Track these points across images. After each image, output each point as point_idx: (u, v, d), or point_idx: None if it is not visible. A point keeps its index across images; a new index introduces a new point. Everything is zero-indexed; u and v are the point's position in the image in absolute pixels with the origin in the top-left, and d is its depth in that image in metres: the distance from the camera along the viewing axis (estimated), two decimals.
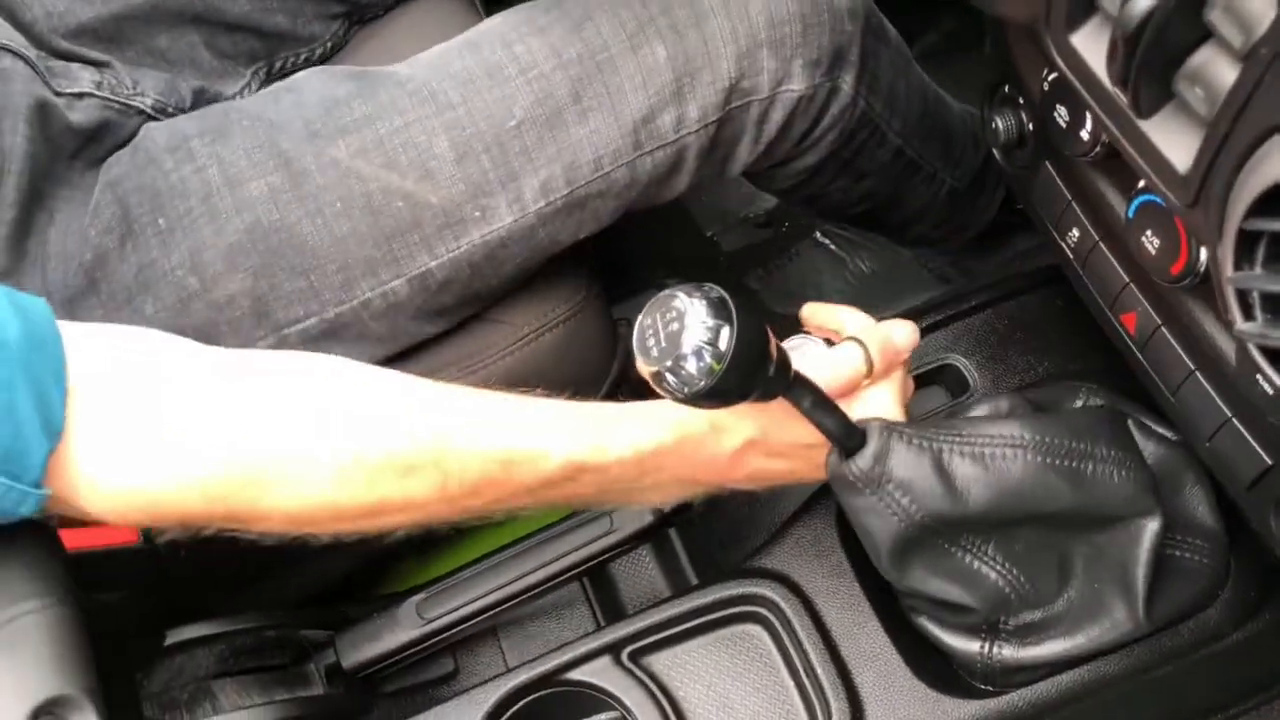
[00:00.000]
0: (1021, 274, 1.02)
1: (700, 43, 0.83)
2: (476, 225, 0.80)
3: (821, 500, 0.86)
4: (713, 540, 0.96)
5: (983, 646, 0.79)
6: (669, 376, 0.61)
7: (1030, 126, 0.75)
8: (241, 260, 0.77)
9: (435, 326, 0.85)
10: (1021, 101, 0.75)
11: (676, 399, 0.62)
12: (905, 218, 1.11)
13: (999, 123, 0.77)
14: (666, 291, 0.62)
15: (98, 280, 0.78)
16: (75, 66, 0.89)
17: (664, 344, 0.61)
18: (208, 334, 0.78)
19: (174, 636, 0.83)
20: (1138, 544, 0.75)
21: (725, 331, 0.60)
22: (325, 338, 0.80)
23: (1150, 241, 0.62)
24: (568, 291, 0.91)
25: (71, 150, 0.85)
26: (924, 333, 0.96)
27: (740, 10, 0.83)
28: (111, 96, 0.89)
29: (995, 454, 0.71)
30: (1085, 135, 0.65)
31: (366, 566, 1.03)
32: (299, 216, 0.78)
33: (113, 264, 0.78)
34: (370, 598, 1.00)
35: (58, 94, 0.86)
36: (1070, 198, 0.72)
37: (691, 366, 0.61)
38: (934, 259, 1.35)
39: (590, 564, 0.88)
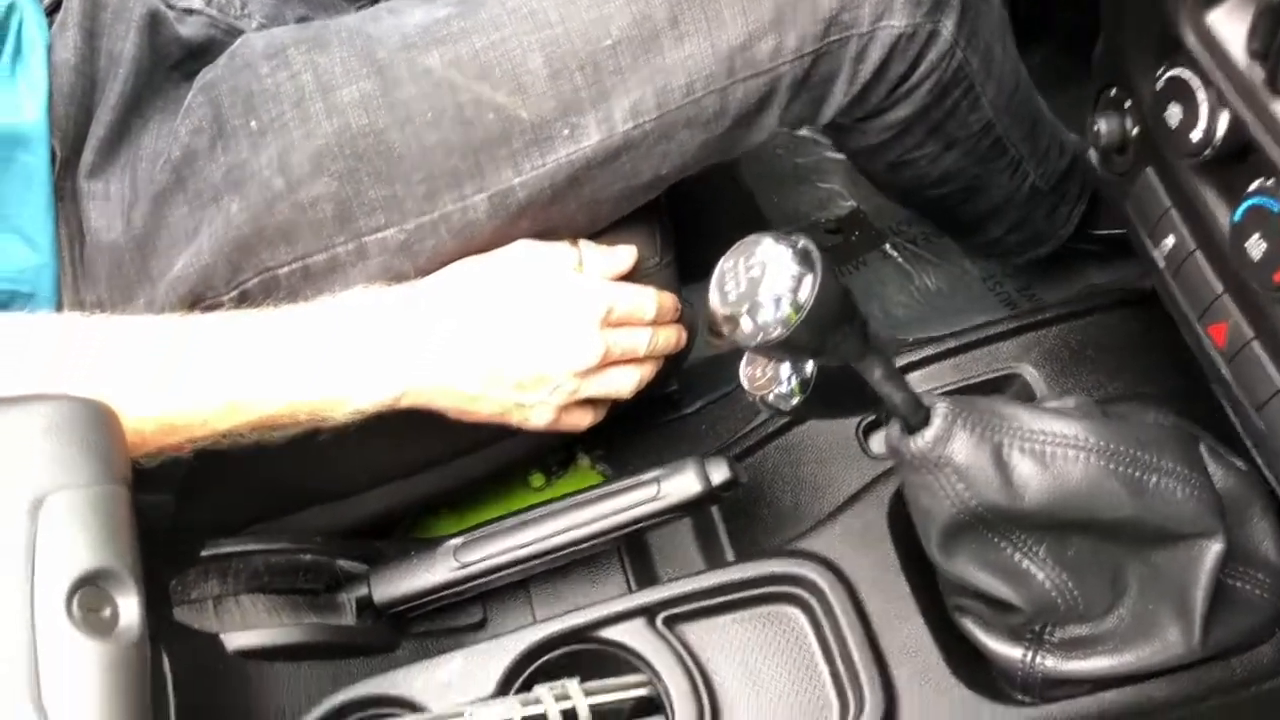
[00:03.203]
0: (1098, 293, 1.00)
1: None
2: (564, 143, 0.80)
3: (874, 490, 0.85)
4: (756, 525, 0.95)
5: (1025, 654, 0.77)
6: (744, 321, 0.60)
7: (1134, 131, 0.74)
8: (328, 163, 0.78)
9: None
10: (1128, 105, 0.74)
11: (747, 346, 0.61)
12: (982, 212, 1.09)
13: (1102, 125, 0.75)
14: (753, 236, 0.62)
15: (185, 178, 0.79)
16: None
17: (743, 288, 0.60)
18: (289, 235, 0.78)
19: (209, 549, 0.83)
20: (1198, 565, 0.72)
21: (808, 281, 0.60)
22: (402, 251, 0.80)
23: (1255, 247, 0.60)
24: (641, 254, 0.90)
25: (173, 61, 0.87)
26: (994, 340, 0.95)
27: None
28: (220, 15, 0.91)
29: (1057, 454, 0.69)
30: (1197, 136, 0.63)
31: (404, 511, 1.03)
32: (388, 123, 0.78)
33: (201, 162, 0.79)
34: (406, 540, 1.00)
35: (170, 6, 0.87)
36: (1169, 204, 0.71)
37: (768, 314, 0.60)
38: (1002, 281, 1.34)
39: (632, 528, 0.86)
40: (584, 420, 0.88)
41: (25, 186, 0.77)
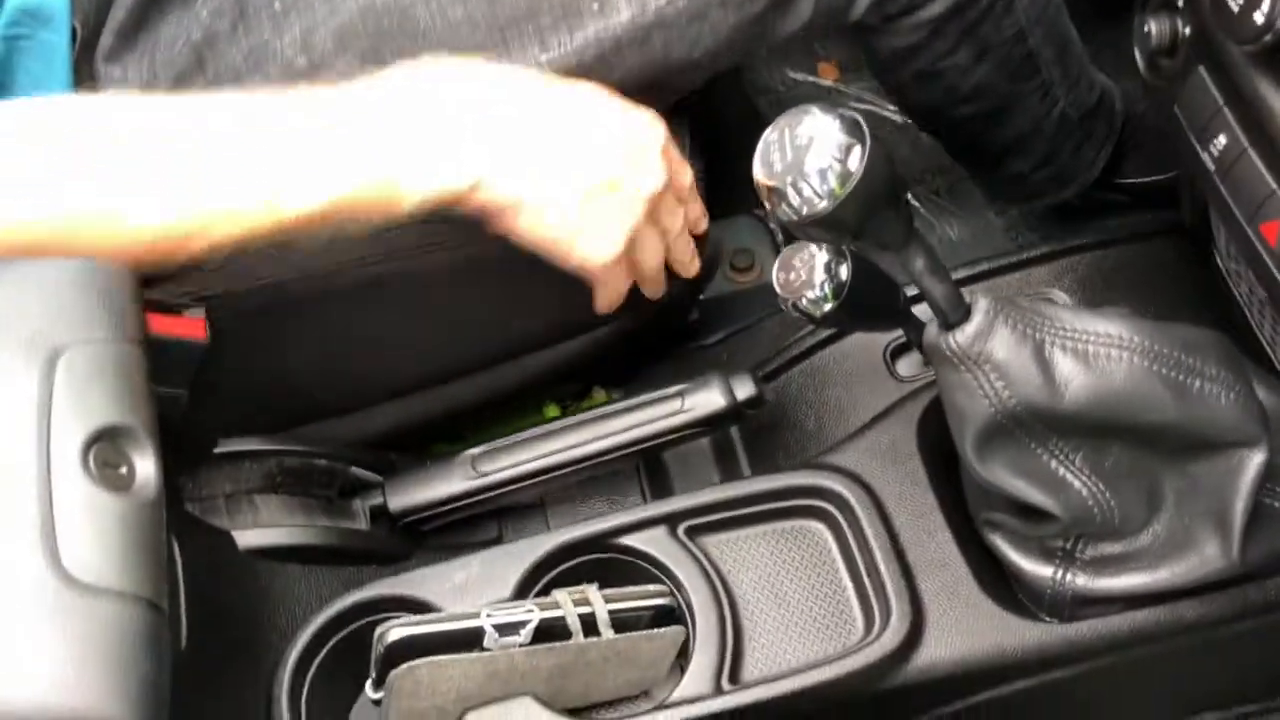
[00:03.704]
0: (1132, 222, 0.98)
1: None
2: (594, 19, 0.78)
3: (903, 407, 0.83)
4: (778, 448, 0.93)
5: (1056, 572, 0.75)
6: (789, 192, 0.59)
7: (1186, 30, 0.72)
8: (352, 41, 0.76)
9: None
10: (1180, 4, 0.72)
11: (790, 221, 0.60)
12: (1009, 140, 1.07)
13: (1152, 26, 0.73)
14: (800, 106, 0.60)
15: (205, 60, 0.78)
16: None
17: (788, 158, 0.59)
18: None
19: (222, 447, 0.81)
20: (1238, 477, 0.71)
21: (856, 152, 0.58)
22: None
23: None
24: None
25: None
26: (1027, 265, 0.93)
27: None
28: None
29: (1100, 353, 0.68)
30: (1260, 17, 0.61)
31: (417, 429, 1.00)
32: None
33: (222, 45, 0.78)
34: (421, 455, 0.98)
35: None
36: (1221, 102, 0.69)
37: (814, 185, 0.58)
38: (1024, 234, 1.32)
39: (654, 442, 0.85)
40: (652, 261, 0.82)
41: (46, 65, 0.76)
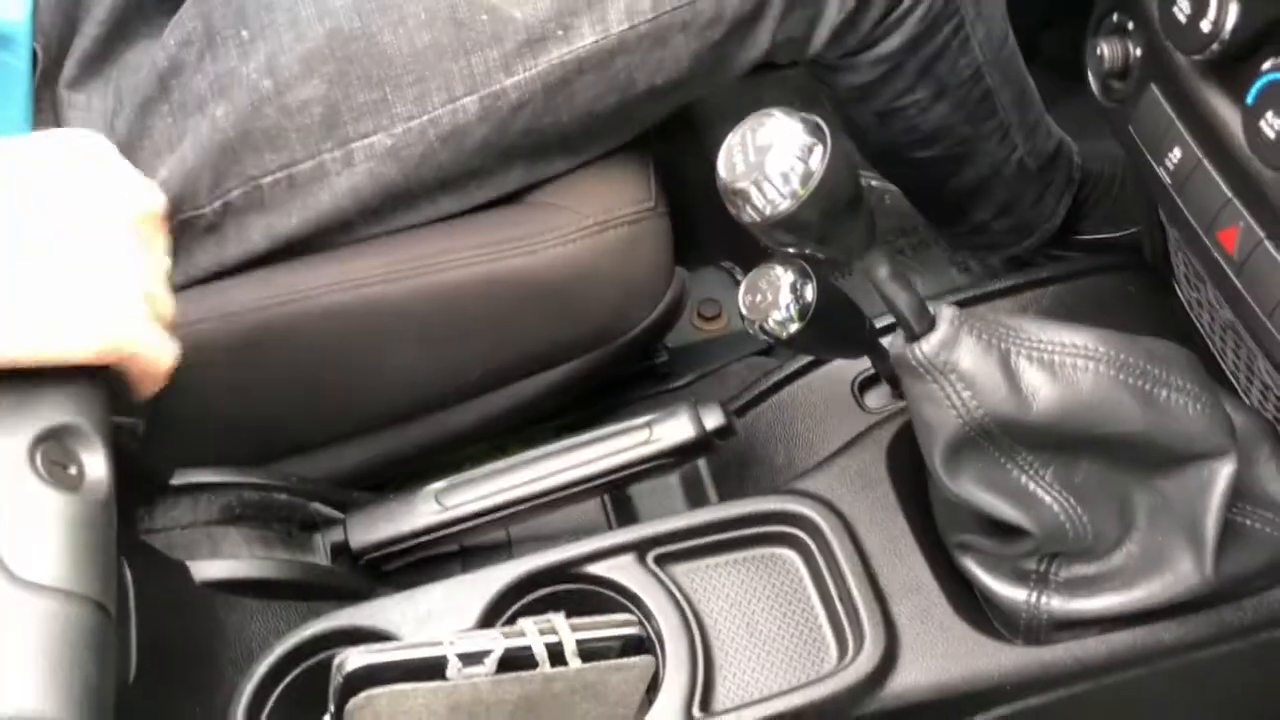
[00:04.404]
0: (1093, 255, 0.99)
1: None
2: (557, 44, 0.79)
3: (872, 434, 0.82)
4: (747, 482, 0.92)
5: (1030, 595, 0.74)
6: (752, 193, 0.59)
7: (1137, 52, 0.74)
8: (318, 66, 0.77)
9: (498, 164, 0.83)
10: (1130, 27, 0.74)
11: (753, 223, 0.60)
12: (969, 186, 1.08)
13: (1104, 49, 0.75)
14: (762, 110, 0.60)
15: (171, 87, 0.78)
16: None
17: (751, 159, 0.59)
18: (275, 141, 0.77)
19: (180, 478, 0.79)
20: (1209, 491, 0.70)
21: (818, 152, 0.58)
22: (389, 156, 0.78)
23: (1271, 125, 0.59)
24: (635, 194, 0.89)
25: None
26: (990, 298, 0.94)
27: None
28: None
29: (1066, 363, 0.68)
30: (1207, 26, 0.63)
31: (382, 468, 0.99)
32: (381, 25, 0.77)
33: (188, 74, 0.78)
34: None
35: None
36: (1174, 116, 0.70)
37: (777, 185, 0.58)
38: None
39: (622, 473, 0.84)
40: None
41: (4, 90, 0.75)
